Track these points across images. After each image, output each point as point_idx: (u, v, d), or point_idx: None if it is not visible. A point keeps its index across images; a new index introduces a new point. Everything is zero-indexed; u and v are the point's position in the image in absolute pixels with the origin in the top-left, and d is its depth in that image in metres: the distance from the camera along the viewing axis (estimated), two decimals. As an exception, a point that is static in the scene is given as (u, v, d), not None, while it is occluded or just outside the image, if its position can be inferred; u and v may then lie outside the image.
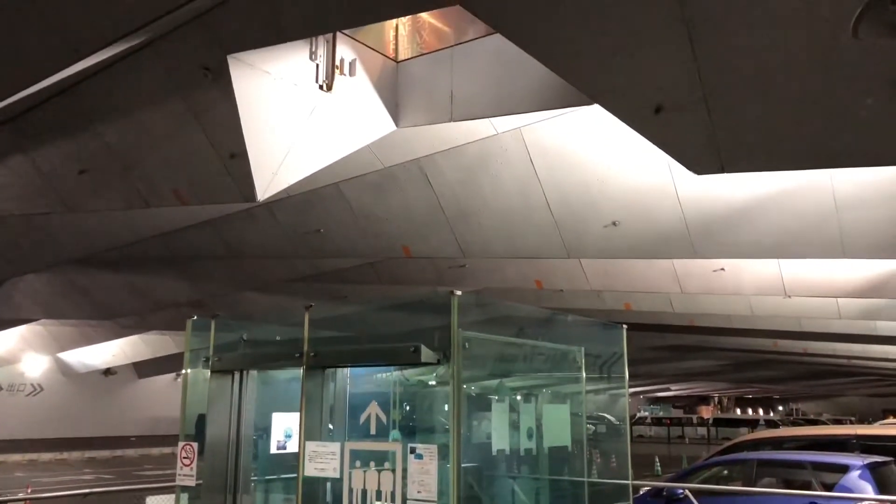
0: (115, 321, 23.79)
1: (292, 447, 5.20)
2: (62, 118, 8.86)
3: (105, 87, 8.28)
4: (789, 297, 13.83)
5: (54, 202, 10.14)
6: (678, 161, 6.54)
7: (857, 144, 5.46)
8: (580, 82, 6.11)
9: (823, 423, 37.81)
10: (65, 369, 34.69)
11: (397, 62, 9.62)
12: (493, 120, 9.32)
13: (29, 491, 13.40)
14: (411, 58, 9.64)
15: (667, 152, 6.59)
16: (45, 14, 6.03)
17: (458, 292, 4.55)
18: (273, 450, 5.38)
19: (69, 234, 13.03)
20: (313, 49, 8.58)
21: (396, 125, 9.38)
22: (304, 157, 8.68)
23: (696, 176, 7.32)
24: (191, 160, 8.77)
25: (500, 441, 5.17)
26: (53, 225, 12.48)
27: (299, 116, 8.51)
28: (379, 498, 4.48)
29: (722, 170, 5.99)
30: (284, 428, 5.41)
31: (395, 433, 4.78)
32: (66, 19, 6.08)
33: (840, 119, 5.25)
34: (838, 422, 39.10)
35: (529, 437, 5.42)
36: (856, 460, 9.04)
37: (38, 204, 10.40)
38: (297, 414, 4.97)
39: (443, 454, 4.35)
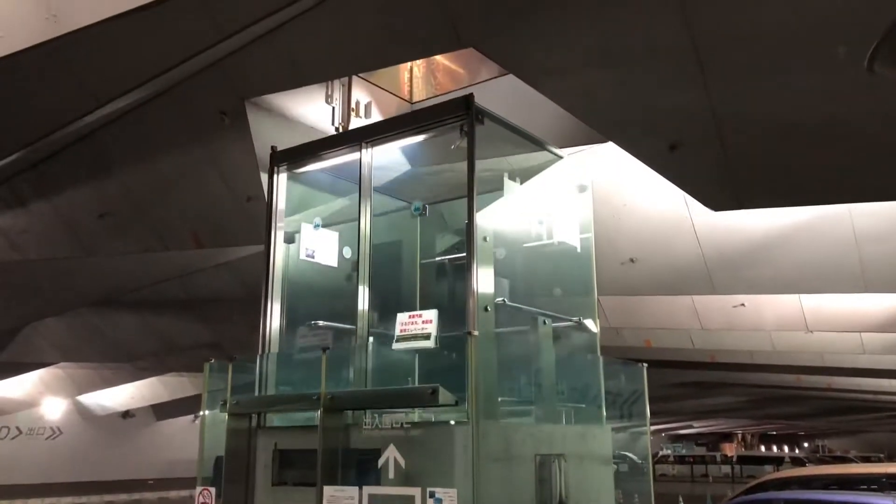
0: (133, 363, 23.85)
1: (321, 256, 5.11)
2: (82, 164, 8.98)
3: (123, 133, 8.40)
4: (811, 332, 13.63)
5: (74, 246, 10.24)
6: (695, 198, 6.52)
7: (875, 180, 5.42)
8: (594, 121, 6.13)
9: (851, 460, 36.96)
10: (83, 412, 34.69)
11: (412, 103, 9.70)
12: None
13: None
14: (426, 99, 9.71)
15: (683, 189, 6.57)
16: (67, 65, 6.15)
17: (476, 333, 4.51)
18: (302, 256, 5.26)
19: (88, 278, 13.12)
20: (329, 92, 8.66)
21: (412, 166, 9.40)
22: (321, 198, 8.71)
23: (713, 211, 7.27)
24: (208, 204, 8.84)
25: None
26: (73, 269, 12.57)
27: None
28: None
29: (739, 206, 5.96)
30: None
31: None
32: (86, 69, 6.20)
33: (856, 155, 5.22)
34: (866, 459, 38.21)
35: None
36: (889, 500, 8.80)
37: (57, 248, 10.50)
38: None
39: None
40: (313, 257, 5.35)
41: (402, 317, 4.99)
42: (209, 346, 17.95)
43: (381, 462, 4.78)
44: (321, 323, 5.68)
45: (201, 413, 5.96)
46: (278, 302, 5.93)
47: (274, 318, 5.86)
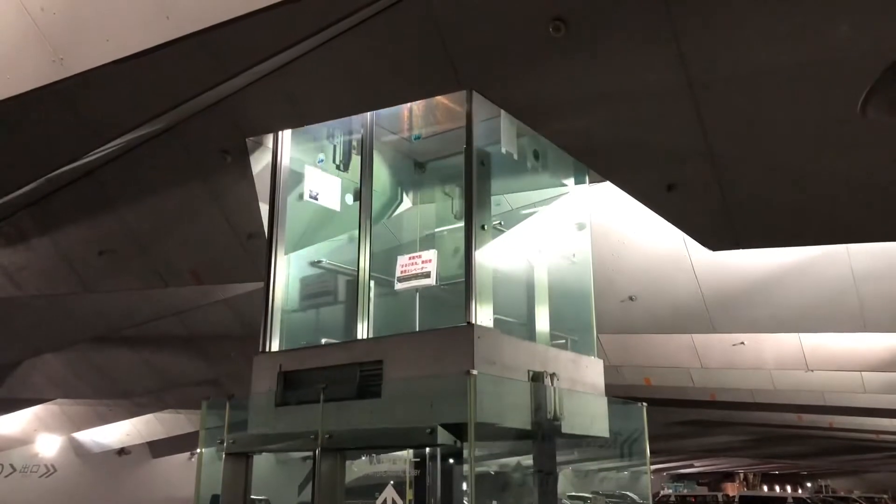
0: (130, 400, 23.69)
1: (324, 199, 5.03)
2: (84, 201, 9.02)
3: (125, 170, 8.45)
4: (811, 370, 13.57)
5: (74, 283, 10.23)
6: (693, 237, 6.55)
7: (870, 221, 5.46)
8: (592, 161, 6.19)
9: (856, 501, 36.53)
10: (79, 449, 34.32)
11: (411, 141, 9.76)
12: (507, 197, 9.39)
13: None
14: (426, 136, 9.77)
15: (681, 228, 6.60)
16: (71, 105, 6.22)
17: (475, 372, 4.50)
18: (305, 197, 5.22)
19: (87, 314, 13.09)
20: (330, 131, 8.74)
21: (412, 202, 9.46)
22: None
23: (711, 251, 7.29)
24: (209, 241, 8.86)
25: None
26: (72, 305, 12.55)
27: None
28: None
29: (737, 246, 6.00)
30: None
31: None
32: (90, 109, 6.27)
33: (853, 196, 5.26)
34: (870, 500, 37.76)
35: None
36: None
37: (57, 285, 10.49)
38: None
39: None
40: (317, 199, 5.38)
41: (402, 259, 5.04)
42: (207, 382, 17.85)
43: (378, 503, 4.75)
44: (325, 262, 5.75)
45: (198, 450, 5.93)
46: (278, 332, 5.94)
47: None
